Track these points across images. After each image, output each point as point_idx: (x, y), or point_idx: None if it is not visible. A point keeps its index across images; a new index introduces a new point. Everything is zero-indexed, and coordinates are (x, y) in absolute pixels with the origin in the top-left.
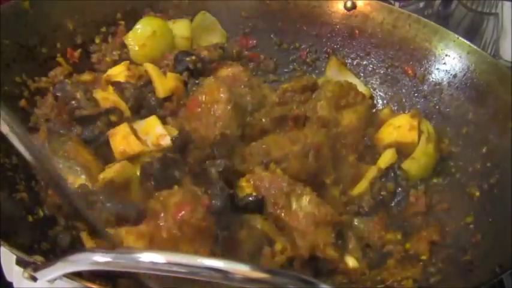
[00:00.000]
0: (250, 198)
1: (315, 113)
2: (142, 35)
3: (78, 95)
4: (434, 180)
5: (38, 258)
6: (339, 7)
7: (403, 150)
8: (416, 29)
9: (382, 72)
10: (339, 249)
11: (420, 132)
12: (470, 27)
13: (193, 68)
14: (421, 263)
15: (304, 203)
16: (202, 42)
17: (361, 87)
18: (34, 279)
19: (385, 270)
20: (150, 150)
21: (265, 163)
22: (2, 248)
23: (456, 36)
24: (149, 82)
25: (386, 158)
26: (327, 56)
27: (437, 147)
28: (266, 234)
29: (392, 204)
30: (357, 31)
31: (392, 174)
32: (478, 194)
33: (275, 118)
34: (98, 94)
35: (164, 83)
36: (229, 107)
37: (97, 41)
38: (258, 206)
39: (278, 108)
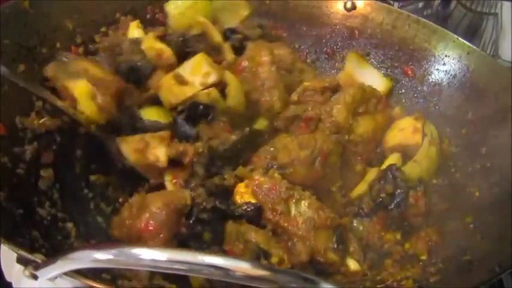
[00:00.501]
0: (247, 207)
1: (330, 116)
2: (183, 4)
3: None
4: (434, 181)
5: (39, 257)
6: (338, 8)
7: (407, 153)
8: (416, 29)
9: (381, 72)
10: (340, 253)
11: (424, 135)
12: (469, 28)
13: (239, 45)
14: (421, 263)
15: (303, 208)
16: (232, 18)
17: (382, 79)
18: (35, 277)
19: (385, 270)
20: (195, 93)
21: (269, 167)
22: (2, 247)
23: (456, 36)
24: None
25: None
26: (326, 56)
27: (441, 150)
28: (261, 248)
29: (392, 206)
30: (356, 32)
31: (390, 175)
32: (478, 194)
33: (288, 117)
34: (144, 44)
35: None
36: (273, 69)
37: (97, 40)
38: (256, 214)
39: (293, 107)
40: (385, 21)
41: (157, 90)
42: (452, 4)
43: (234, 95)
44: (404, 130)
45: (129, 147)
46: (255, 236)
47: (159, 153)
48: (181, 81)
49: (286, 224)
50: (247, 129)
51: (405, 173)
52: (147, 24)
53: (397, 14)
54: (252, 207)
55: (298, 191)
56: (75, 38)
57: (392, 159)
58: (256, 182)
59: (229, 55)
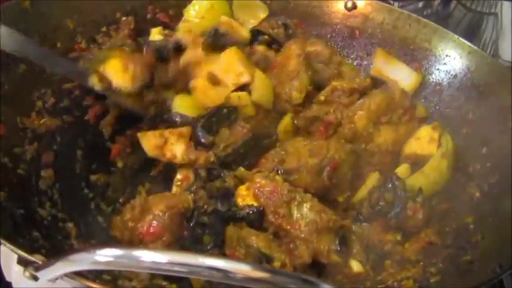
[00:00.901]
0: (250, 210)
1: (350, 122)
2: (202, 7)
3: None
4: None
5: (39, 258)
6: (339, 7)
7: (423, 163)
8: (416, 29)
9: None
10: (343, 255)
11: (439, 146)
12: (469, 27)
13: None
14: (421, 263)
15: (305, 211)
16: (249, 18)
17: (411, 74)
18: (35, 278)
19: (385, 270)
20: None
21: (275, 171)
22: (2, 248)
23: (456, 36)
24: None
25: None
26: None
27: (454, 164)
28: (263, 253)
29: (391, 215)
30: (357, 31)
31: (390, 184)
32: (478, 194)
33: (308, 117)
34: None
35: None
36: (301, 59)
37: (99, 40)
38: (258, 218)
39: (316, 107)
40: (385, 21)
41: (192, 93)
42: (452, 4)
43: (259, 89)
44: (421, 139)
45: (149, 143)
46: (256, 240)
47: (177, 150)
48: (215, 81)
49: (288, 227)
50: (250, 134)
51: (406, 184)
52: (150, 25)
53: (398, 13)
54: (255, 210)
55: (299, 193)
56: (75, 37)
57: (400, 169)
58: (258, 184)
59: (261, 48)
